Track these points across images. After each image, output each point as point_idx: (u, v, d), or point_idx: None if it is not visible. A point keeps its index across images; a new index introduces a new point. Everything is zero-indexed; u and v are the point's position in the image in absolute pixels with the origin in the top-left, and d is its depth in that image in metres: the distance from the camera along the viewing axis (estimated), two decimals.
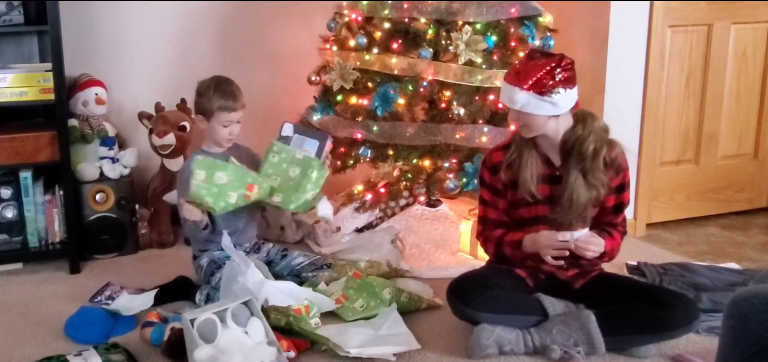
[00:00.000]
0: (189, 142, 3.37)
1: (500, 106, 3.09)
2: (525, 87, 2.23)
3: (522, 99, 2.24)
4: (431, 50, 3.11)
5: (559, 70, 2.23)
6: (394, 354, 2.30)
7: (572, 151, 2.32)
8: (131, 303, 2.64)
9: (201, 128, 2.80)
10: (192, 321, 2.20)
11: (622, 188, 2.40)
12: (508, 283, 2.43)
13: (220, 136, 2.73)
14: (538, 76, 2.22)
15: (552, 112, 2.26)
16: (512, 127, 3.06)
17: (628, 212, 2.56)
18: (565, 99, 2.26)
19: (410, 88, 3.13)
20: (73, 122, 3.20)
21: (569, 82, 2.26)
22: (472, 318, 2.35)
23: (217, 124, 2.70)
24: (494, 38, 3.12)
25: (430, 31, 3.16)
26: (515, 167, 2.38)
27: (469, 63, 3.09)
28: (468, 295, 2.37)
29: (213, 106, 2.69)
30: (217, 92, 2.69)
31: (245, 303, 2.33)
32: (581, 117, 2.35)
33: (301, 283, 2.70)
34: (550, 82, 2.22)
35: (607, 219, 2.43)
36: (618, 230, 2.44)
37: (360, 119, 3.21)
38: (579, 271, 2.46)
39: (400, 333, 2.43)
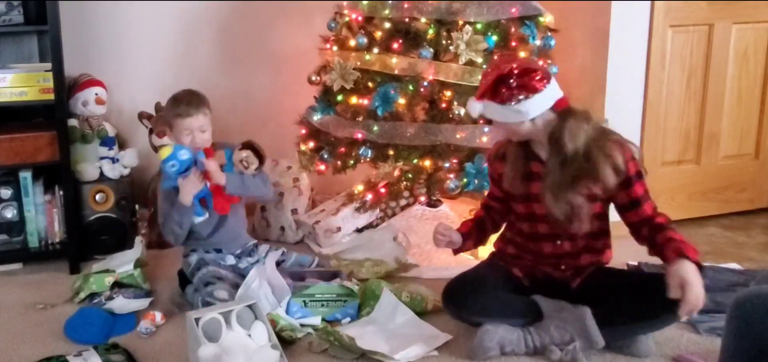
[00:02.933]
0: None
1: None
2: (491, 100, 2.29)
3: (493, 111, 2.32)
4: (432, 50, 3.11)
5: (511, 79, 2.26)
6: (436, 349, 2.36)
7: (553, 146, 2.32)
8: (128, 304, 2.64)
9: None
10: (197, 320, 2.20)
11: (627, 184, 2.31)
12: (503, 284, 2.43)
13: (189, 144, 2.70)
14: (494, 87, 2.28)
15: (520, 118, 2.29)
16: None
17: None
18: (531, 105, 2.27)
19: (411, 88, 3.13)
20: (73, 122, 3.20)
21: (526, 89, 2.26)
22: (468, 322, 2.38)
23: (179, 134, 2.70)
24: (495, 38, 3.11)
25: (431, 31, 3.15)
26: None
27: (470, 63, 3.08)
28: (461, 299, 2.40)
29: (169, 117, 2.73)
30: (171, 102, 2.73)
31: (250, 307, 2.32)
32: (562, 114, 2.32)
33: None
34: (506, 92, 2.27)
35: (636, 217, 2.33)
36: (660, 221, 2.31)
37: (360, 119, 3.21)
38: (574, 270, 2.45)
39: (416, 322, 2.51)
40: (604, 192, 2.32)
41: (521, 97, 2.26)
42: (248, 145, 2.74)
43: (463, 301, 2.39)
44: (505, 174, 2.45)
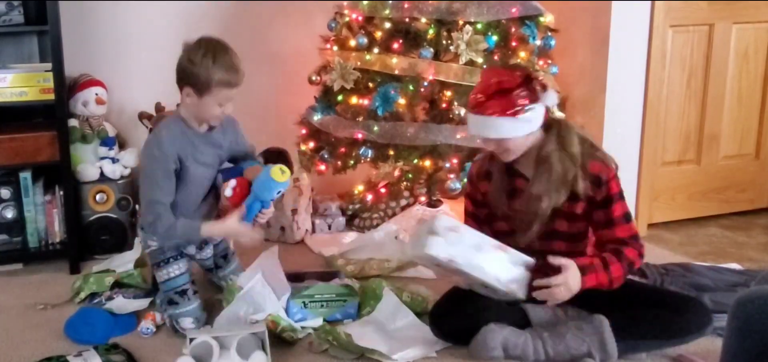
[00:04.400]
0: None
1: None
2: (500, 113, 2.16)
3: (500, 125, 2.18)
4: (432, 50, 3.11)
5: (522, 87, 2.17)
6: (436, 351, 2.34)
7: (538, 158, 2.25)
8: (128, 304, 2.64)
9: (187, 103, 2.34)
10: (190, 340, 2.19)
11: (607, 202, 2.23)
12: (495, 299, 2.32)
13: (211, 115, 2.35)
14: (510, 98, 2.16)
15: (528, 130, 2.21)
16: None
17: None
18: (537, 113, 2.20)
19: (411, 88, 3.13)
20: (73, 122, 3.20)
21: (534, 95, 2.19)
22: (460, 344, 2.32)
23: (211, 101, 2.29)
24: (495, 38, 3.11)
25: (431, 31, 3.15)
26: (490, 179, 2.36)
27: (470, 63, 3.08)
28: (445, 324, 2.35)
29: (212, 80, 2.25)
30: (217, 63, 2.25)
31: (256, 334, 2.25)
32: (548, 125, 2.27)
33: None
34: (520, 102, 2.16)
35: (605, 236, 2.28)
36: (627, 252, 2.22)
37: (361, 119, 3.21)
38: None
39: (417, 324, 2.49)
40: (583, 211, 2.27)
41: (529, 105, 2.17)
42: (281, 155, 2.74)
43: (447, 327, 2.34)
44: (490, 192, 2.35)
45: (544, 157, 2.23)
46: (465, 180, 3.07)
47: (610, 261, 2.20)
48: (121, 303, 2.64)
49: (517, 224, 2.30)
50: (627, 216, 2.27)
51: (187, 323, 2.43)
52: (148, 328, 2.46)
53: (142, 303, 2.66)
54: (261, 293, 2.50)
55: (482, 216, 2.42)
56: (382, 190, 3.54)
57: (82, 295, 2.71)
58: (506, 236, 2.30)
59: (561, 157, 2.22)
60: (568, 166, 2.21)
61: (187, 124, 2.40)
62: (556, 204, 2.23)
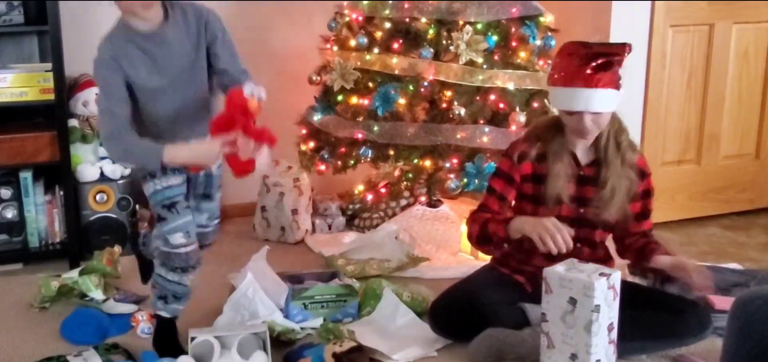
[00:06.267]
0: None
1: (501, 106, 3.10)
2: (612, 85, 2.12)
3: (609, 98, 2.14)
4: (432, 50, 3.11)
5: (619, 57, 2.14)
6: (436, 351, 2.35)
7: (609, 143, 2.25)
8: (116, 306, 2.64)
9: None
10: (192, 339, 2.19)
11: (647, 194, 2.36)
12: (498, 294, 2.33)
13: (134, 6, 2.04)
14: (615, 70, 2.12)
15: (618, 102, 2.20)
16: (513, 127, 3.07)
17: None
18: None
19: (411, 88, 3.13)
20: (73, 122, 3.19)
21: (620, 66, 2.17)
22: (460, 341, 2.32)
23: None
24: (495, 38, 3.11)
25: (431, 31, 3.15)
26: (548, 163, 2.29)
27: (470, 63, 3.08)
28: (447, 323, 2.36)
29: None
30: None
31: (258, 334, 2.25)
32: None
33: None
34: (620, 73, 2.14)
35: (631, 229, 2.35)
36: (653, 241, 2.33)
37: (361, 119, 3.21)
38: None
39: (417, 324, 2.49)
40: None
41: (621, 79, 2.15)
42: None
43: (450, 327, 2.35)
44: (551, 176, 2.26)
45: (617, 142, 2.25)
46: (465, 180, 3.08)
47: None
48: (111, 305, 2.64)
49: (593, 212, 2.30)
50: (651, 212, 2.39)
51: (177, 238, 2.15)
52: (149, 329, 2.46)
53: (130, 307, 2.63)
54: (252, 299, 2.49)
55: (510, 197, 2.37)
56: (382, 190, 3.54)
57: (46, 303, 2.67)
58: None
59: (629, 143, 2.28)
60: (633, 152, 2.29)
61: (128, 26, 2.09)
62: (629, 189, 2.27)
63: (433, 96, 3.15)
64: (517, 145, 2.38)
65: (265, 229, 3.43)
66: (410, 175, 3.33)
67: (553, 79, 2.23)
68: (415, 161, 3.18)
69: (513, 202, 2.39)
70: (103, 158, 3.24)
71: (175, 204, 2.15)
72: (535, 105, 3.15)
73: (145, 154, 2.05)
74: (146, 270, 2.56)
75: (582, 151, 2.31)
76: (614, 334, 2.07)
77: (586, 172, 2.32)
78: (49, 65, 2.94)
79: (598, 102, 2.15)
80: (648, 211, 2.37)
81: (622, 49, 2.14)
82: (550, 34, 3.24)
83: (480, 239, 2.35)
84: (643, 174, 2.34)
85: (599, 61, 2.12)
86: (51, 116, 3.00)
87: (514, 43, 3.15)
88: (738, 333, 1.64)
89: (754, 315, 1.60)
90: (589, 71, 2.13)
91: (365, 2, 3.25)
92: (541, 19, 3.22)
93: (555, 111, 2.43)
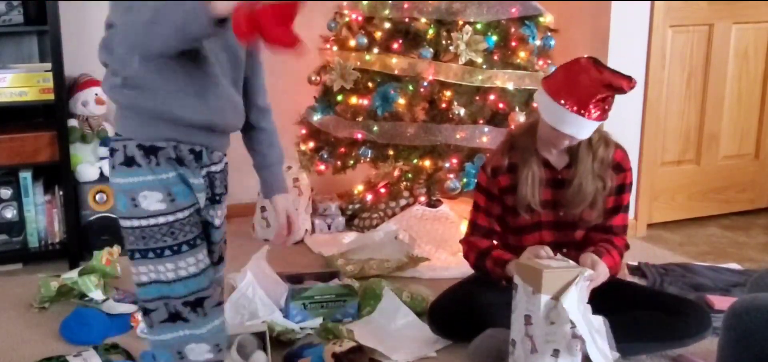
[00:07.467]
0: None
1: (501, 106, 3.10)
2: (602, 118, 2.15)
3: (595, 126, 2.18)
4: (432, 50, 3.11)
5: (610, 98, 2.16)
6: (436, 351, 2.34)
7: (580, 142, 2.24)
8: (116, 306, 2.64)
9: None
10: None
11: (621, 189, 2.31)
12: (497, 294, 2.31)
13: None
14: (606, 105, 2.15)
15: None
16: (513, 127, 3.06)
17: (629, 212, 2.48)
18: None
19: (411, 88, 3.13)
20: (72, 122, 3.19)
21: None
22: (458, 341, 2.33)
23: None
24: (495, 38, 3.11)
25: (431, 31, 3.15)
26: (518, 173, 2.30)
27: (470, 63, 3.08)
28: (446, 324, 2.36)
29: None
30: None
31: (257, 334, 2.25)
32: None
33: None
34: (607, 109, 2.16)
35: (601, 224, 2.31)
36: (616, 241, 2.30)
37: (360, 119, 3.21)
38: None
39: (417, 324, 2.48)
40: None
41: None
42: None
43: (448, 326, 2.35)
44: (520, 184, 2.27)
45: (588, 139, 2.23)
46: (465, 180, 3.08)
47: (610, 251, 2.24)
48: (112, 305, 2.64)
49: (565, 213, 2.29)
50: (627, 207, 2.35)
51: (201, 353, 1.47)
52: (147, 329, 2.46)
53: (129, 307, 2.64)
54: (252, 299, 2.49)
55: (495, 212, 2.38)
56: (382, 190, 3.54)
57: (46, 303, 2.67)
58: (530, 230, 2.31)
59: (603, 138, 2.26)
60: (607, 147, 2.27)
61: None
62: (601, 186, 2.26)
63: (432, 96, 3.15)
64: (491, 158, 2.40)
65: (264, 229, 3.43)
66: (410, 175, 3.33)
67: (550, 86, 2.20)
68: (415, 161, 3.19)
69: (499, 212, 2.39)
70: (102, 158, 3.24)
71: (202, 301, 1.46)
72: (535, 105, 3.14)
73: (184, 9, 1.33)
74: None
75: (556, 154, 2.31)
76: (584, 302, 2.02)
77: (564, 175, 2.30)
78: (48, 65, 2.94)
79: (585, 131, 2.17)
80: (619, 206, 2.31)
81: (628, 84, 2.12)
82: (549, 34, 3.24)
83: (477, 269, 2.40)
84: (620, 168, 2.29)
85: (602, 95, 2.11)
86: (51, 116, 3.00)
87: (513, 43, 3.15)
88: (734, 344, 1.60)
89: (751, 326, 1.56)
90: (589, 102, 2.12)
91: (365, 2, 3.25)
92: (541, 19, 3.21)
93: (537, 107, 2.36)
